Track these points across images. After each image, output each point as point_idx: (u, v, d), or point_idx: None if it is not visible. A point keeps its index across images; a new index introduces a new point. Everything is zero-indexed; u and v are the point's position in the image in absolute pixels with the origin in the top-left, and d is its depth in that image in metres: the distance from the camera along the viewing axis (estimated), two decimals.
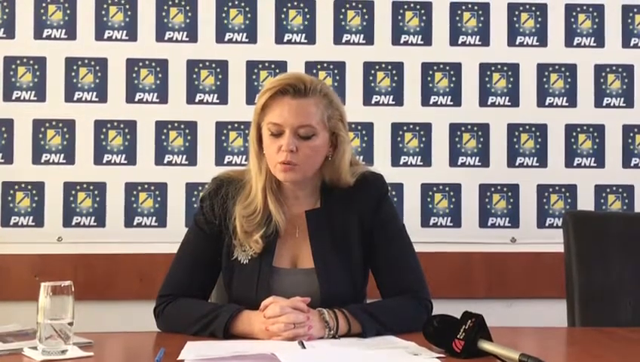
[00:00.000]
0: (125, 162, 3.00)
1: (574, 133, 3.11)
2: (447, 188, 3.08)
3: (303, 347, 1.72)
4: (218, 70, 3.03)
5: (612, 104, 3.12)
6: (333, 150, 2.03)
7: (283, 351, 1.56)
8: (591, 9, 3.12)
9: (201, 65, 3.03)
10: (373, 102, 3.07)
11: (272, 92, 1.96)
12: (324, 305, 1.90)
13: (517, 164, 3.10)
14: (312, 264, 2.00)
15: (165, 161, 3.01)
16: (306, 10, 3.06)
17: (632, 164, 3.11)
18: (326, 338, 1.83)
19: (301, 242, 2.04)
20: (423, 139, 3.07)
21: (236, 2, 3.05)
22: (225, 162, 3.01)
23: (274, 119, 1.96)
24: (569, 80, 3.11)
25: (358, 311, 1.89)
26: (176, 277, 2.05)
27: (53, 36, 3.00)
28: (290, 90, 1.95)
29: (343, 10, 3.07)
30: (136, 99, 3.01)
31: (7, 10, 2.99)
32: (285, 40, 3.05)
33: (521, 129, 3.10)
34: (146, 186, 3.00)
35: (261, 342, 1.78)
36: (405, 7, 3.08)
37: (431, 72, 3.09)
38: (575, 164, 3.10)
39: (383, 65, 3.08)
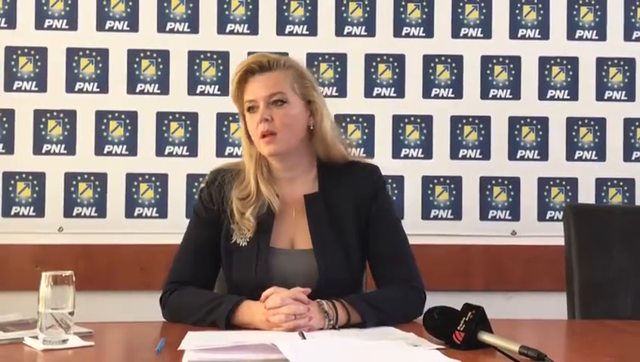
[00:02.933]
0: (126, 153, 3.00)
1: (575, 127, 3.10)
2: (447, 181, 3.08)
3: (304, 337, 1.73)
4: (219, 61, 3.03)
5: (613, 97, 3.11)
6: (313, 119, 2.07)
7: (283, 342, 1.57)
8: (593, 2, 3.11)
9: (202, 56, 3.03)
10: (374, 94, 3.07)
11: (239, 75, 2.06)
12: (323, 285, 1.93)
13: (518, 156, 3.09)
14: (309, 245, 2.03)
15: (166, 152, 3.01)
16: (308, 1, 3.05)
17: (633, 158, 3.11)
18: (326, 328, 1.83)
19: (298, 223, 2.06)
20: (424, 131, 3.07)
21: None
22: (226, 153, 3.01)
23: (247, 97, 2.05)
24: (571, 73, 3.10)
25: (356, 301, 1.89)
26: (180, 266, 2.08)
27: (54, 26, 2.99)
28: (256, 67, 2.05)
29: (345, 2, 3.06)
30: (137, 90, 3.01)
31: (8, 0, 2.98)
32: (287, 31, 3.05)
33: (522, 122, 3.09)
34: (146, 177, 3.00)
35: (262, 333, 1.79)
36: None
37: (432, 65, 3.08)
38: (576, 157, 3.10)
39: (385, 58, 3.07)
